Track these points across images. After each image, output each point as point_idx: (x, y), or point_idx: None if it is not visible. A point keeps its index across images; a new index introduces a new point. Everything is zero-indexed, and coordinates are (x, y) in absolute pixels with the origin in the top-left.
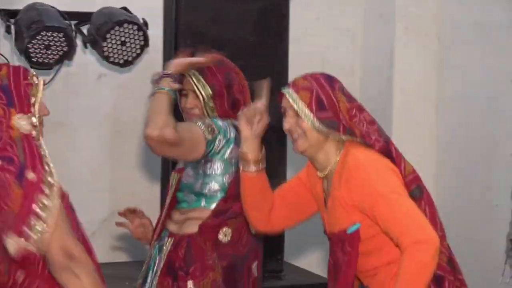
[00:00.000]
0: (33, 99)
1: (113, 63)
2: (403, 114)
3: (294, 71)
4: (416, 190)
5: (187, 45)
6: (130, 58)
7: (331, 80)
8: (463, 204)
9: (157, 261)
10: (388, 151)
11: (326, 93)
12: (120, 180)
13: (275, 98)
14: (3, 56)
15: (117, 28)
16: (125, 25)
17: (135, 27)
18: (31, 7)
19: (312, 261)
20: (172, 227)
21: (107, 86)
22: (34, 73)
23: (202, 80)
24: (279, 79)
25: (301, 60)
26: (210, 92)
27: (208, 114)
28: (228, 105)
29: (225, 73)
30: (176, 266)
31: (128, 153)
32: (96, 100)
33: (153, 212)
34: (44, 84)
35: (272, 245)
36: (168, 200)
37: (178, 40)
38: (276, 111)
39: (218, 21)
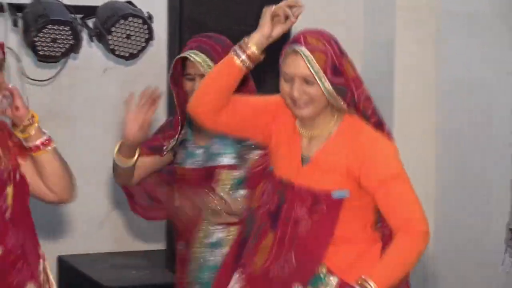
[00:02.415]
0: None
1: (118, 56)
2: (403, 106)
3: None
4: None
5: (191, 38)
6: (135, 51)
7: (338, 43)
8: (462, 194)
9: (216, 255)
10: (381, 128)
11: (339, 58)
12: None
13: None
14: (10, 49)
15: (122, 21)
16: (130, 18)
17: (140, 21)
18: (37, 1)
19: None
20: (221, 218)
21: (113, 79)
22: None
23: (213, 65)
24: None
25: None
26: None
27: None
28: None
29: None
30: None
31: None
32: (102, 92)
33: None
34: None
35: None
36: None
37: (182, 33)
38: None
39: (222, 14)
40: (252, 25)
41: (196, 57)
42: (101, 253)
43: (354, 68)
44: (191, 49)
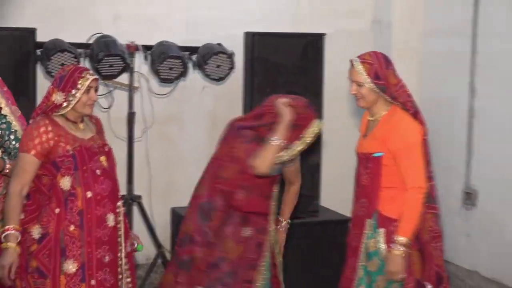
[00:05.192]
0: (79, 85)
1: (212, 79)
2: None
3: (327, 84)
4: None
5: (259, 67)
6: (223, 76)
7: (387, 61)
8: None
9: None
10: (416, 117)
11: (381, 68)
12: None
13: (314, 100)
14: (143, 74)
15: (214, 56)
16: (220, 54)
17: (226, 56)
18: (160, 44)
19: (344, 204)
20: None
21: (208, 94)
22: (90, 73)
23: None
24: (316, 88)
25: (331, 77)
26: None
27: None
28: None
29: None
30: None
31: None
32: (201, 103)
33: None
34: (95, 80)
35: (310, 192)
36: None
37: (253, 64)
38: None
39: (278, 51)
40: (296, 59)
41: None
42: None
43: (397, 77)
44: None
